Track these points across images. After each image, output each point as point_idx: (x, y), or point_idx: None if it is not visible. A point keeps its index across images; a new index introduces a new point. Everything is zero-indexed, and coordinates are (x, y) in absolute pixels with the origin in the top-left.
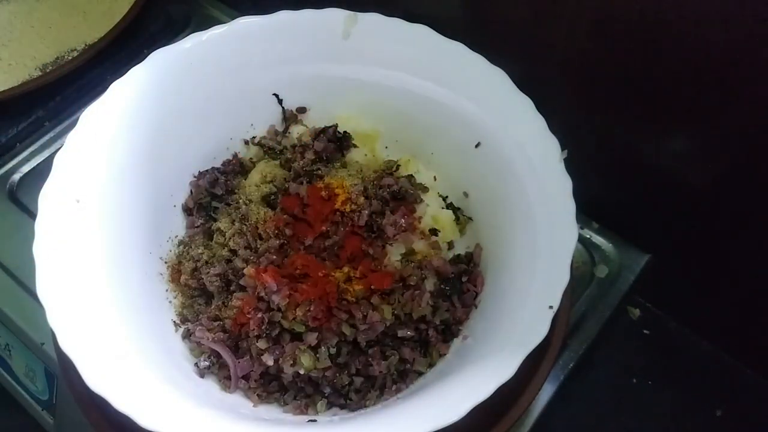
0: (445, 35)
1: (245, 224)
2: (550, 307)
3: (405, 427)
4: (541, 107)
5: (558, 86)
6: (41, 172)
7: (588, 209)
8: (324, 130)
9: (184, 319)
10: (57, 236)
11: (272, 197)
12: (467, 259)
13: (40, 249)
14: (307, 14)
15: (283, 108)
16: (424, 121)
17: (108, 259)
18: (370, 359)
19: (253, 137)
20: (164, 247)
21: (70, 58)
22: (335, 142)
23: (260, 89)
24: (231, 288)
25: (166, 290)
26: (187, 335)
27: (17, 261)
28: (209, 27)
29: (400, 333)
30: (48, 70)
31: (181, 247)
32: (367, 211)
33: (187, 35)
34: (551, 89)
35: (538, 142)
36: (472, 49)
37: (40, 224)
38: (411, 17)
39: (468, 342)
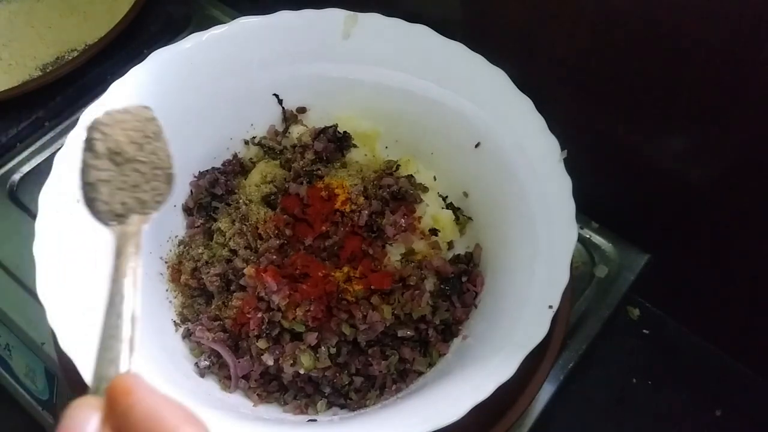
0: (445, 35)
1: (245, 224)
2: (550, 306)
3: (405, 426)
4: (541, 107)
5: (558, 86)
6: (41, 172)
7: (588, 209)
8: (324, 130)
9: (184, 319)
10: (57, 236)
11: (272, 197)
12: (467, 259)
13: (40, 249)
14: (307, 14)
15: (283, 108)
16: (424, 121)
17: (108, 259)
18: (370, 359)
19: (253, 137)
20: (164, 247)
21: (70, 58)
22: (335, 142)
23: (260, 89)
24: (231, 288)
25: (166, 290)
26: (188, 335)
27: (17, 261)
28: (209, 27)
29: (400, 333)
30: (48, 70)
31: (182, 247)
32: (367, 211)
33: (187, 35)
34: (551, 89)
35: (538, 142)
36: (472, 49)
37: (40, 224)
38: (411, 17)
39: (468, 342)
